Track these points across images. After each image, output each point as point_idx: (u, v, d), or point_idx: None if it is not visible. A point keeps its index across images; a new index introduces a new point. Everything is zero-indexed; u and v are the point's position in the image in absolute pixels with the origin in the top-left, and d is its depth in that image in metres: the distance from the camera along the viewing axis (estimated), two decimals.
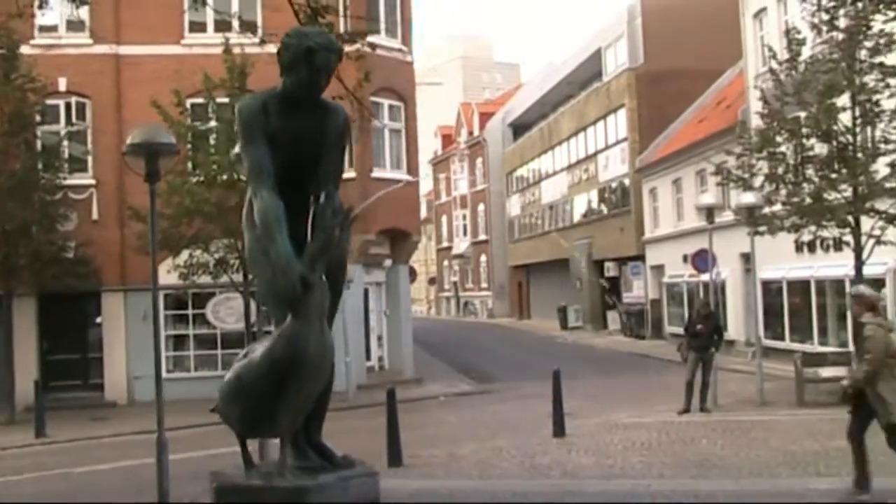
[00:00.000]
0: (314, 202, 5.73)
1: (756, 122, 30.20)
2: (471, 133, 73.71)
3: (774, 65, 21.67)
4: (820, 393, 20.51)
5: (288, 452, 5.97)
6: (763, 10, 31.08)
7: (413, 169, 29.31)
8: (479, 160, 72.83)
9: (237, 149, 21.63)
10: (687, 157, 38.15)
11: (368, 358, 28.04)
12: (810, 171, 20.88)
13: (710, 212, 21.78)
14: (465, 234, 74.52)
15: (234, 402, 5.89)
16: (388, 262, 28.47)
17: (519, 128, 67.86)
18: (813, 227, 21.05)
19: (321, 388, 6.02)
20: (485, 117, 72.16)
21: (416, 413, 21.21)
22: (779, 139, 21.23)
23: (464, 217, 74.49)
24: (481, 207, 72.68)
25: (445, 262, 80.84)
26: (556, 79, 59.04)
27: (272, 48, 6.44)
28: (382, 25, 27.39)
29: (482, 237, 72.54)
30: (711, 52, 40.28)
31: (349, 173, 27.05)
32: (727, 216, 26.99)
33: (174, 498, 10.89)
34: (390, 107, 28.28)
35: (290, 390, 5.67)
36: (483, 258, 72.76)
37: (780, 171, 21.43)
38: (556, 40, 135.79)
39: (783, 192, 21.24)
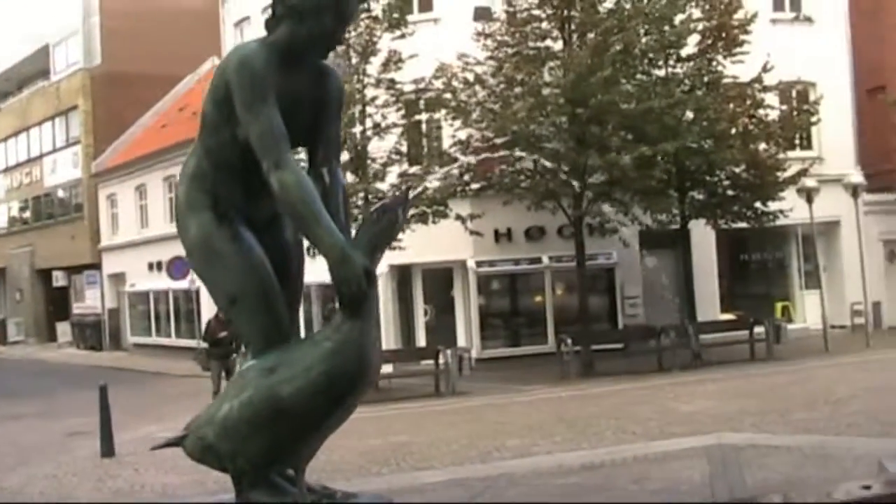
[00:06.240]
0: (316, 178, 4.77)
1: None
2: None
3: None
4: None
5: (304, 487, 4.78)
6: (246, 18, 31.35)
7: None
8: None
9: None
10: (152, 164, 37.31)
11: None
12: None
13: None
14: None
15: (262, 429, 4.55)
16: None
17: None
18: None
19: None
20: None
21: None
22: None
23: None
24: None
25: None
26: None
27: None
28: None
29: None
30: (171, 57, 39.73)
31: None
32: None
33: None
34: None
35: (343, 408, 4.64)
36: None
37: None
38: None
39: None
